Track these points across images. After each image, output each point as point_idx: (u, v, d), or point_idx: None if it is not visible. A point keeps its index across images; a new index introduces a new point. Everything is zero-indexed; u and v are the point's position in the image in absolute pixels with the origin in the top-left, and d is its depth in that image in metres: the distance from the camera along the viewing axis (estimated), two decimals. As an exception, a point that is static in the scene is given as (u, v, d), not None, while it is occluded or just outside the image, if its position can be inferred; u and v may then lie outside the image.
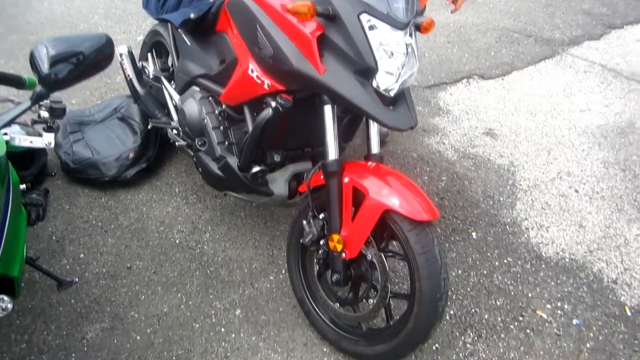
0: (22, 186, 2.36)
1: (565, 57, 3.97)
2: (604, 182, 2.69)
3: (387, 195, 1.55)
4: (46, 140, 1.62)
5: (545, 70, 3.78)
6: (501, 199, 2.56)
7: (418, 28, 1.61)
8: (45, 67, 1.15)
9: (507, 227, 2.40)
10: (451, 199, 2.55)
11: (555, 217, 2.47)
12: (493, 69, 3.74)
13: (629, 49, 4.11)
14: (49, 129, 1.65)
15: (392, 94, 1.55)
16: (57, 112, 1.60)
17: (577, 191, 2.63)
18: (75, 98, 3.20)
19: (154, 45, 2.70)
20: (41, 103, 1.62)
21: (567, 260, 2.25)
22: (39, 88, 1.18)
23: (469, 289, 2.10)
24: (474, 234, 2.36)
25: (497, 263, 2.22)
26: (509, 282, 2.13)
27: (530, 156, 2.87)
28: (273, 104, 1.69)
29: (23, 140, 1.62)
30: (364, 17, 1.48)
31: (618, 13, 4.74)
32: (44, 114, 1.63)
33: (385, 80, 1.52)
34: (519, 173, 2.74)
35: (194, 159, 2.10)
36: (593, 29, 4.43)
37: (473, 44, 4.08)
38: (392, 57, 1.51)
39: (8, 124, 1.17)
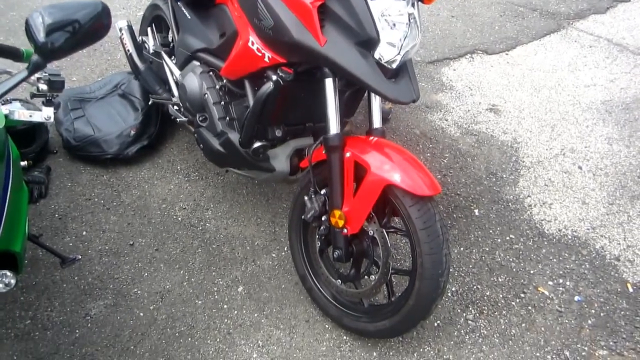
0: (24, 163, 2.35)
1: (571, 31, 3.91)
2: (607, 159, 2.67)
3: (388, 170, 1.54)
4: (45, 114, 1.61)
5: (550, 44, 3.73)
6: (504, 175, 2.55)
7: None
8: (41, 35, 1.13)
9: (510, 204, 2.39)
10: (454, 175, 2.53)
11: (558, 193, 2.46)
12: (497, 44, 3.69)
13: (635, 22, 4.05)
14: (47, 103, 1.64)
15: (394, 65, 1.53)
16: (56, 84, 1.58)
17: (580, 168, 2.61)
18: (76, 75, 3.17)
19: (153, 19, 2.67)
20: (39, 76, 1.61)
21: (570, 237, 2.24)
22: (35, 57, 1.16)
23: (470, 266, 2.10)
24: (476, 211, 2.35)
25: (499, 240, 2.22)
26: (511, 259, 2.13)
27: (533, 132, 2.85)
28: (274, 77, 1.67)
29: (22, 114, 1.60)
30: None
31: (625, -14, 4.66)
32: (43, 87, 1.62)
33: (387, 52, 1.50)
34: (522, 150, 2.72)
35: (195, 135, 2.08)
36: (599, 2, 4.36)
37: (477, 18, 4.02)
38: (394, 27, 1.49)
39: (5, 93, 1.15)
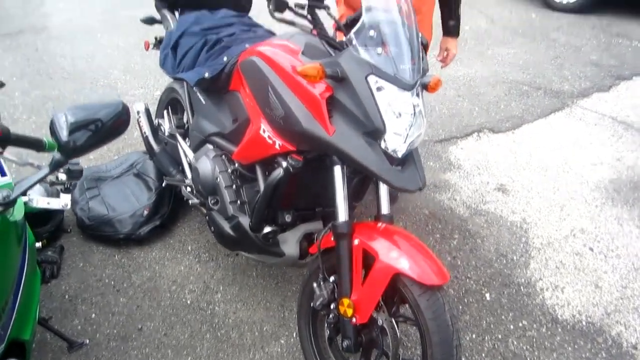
0: (38, 244, 2.40)
1: (575, 109, 3.99)
2: (618, 240, 2.66)
3: (397, 258, 1.54)
4: (63, 201, 1.66)
5: (555, 123, 3.80)
6: (514, 257, 2.54)
7: (425, 87, 1.64)
8: (64, 134, 1.19)
9: (522, 287, 2.36)
10: (464, 258, 2.53)
11: (570, 276, 2.43)
12: (503, 123, 3.77)
13: (638, 101, 4.13)
14: (66, 190, 1.69)
15: (400, 154, 1.57)
16: (75, 174, 1.64)
17: (591, 249, 2.60)
18: (93, 153, 3.27)
19: (170, 102, 2.78)
20: (59, 167, 1.68)
21: (584, 323, 2.20)
22: (57, 155, 1.22)
23: (483, 355, 2.05)
24: (487, 295, 2.32)
25: (512, 326, 2.18)
26: (524, 347, 2.08)
27: (543, 212, 2.86)
28: (284, 164, 1.72)
29: (41, 201, 1.65)
30: (372, 79, 1.51)
31: (626, 64, 4.79)
32: (62, 176, 1.68)
33: (394, 141, 1.54)
34: (532, 230, 2.72)
35: (207, 217, 2.12)
36: (602, 80, 4.48)
37: (483, 97, 4.13)
38: (400, 117, 1.53)
39: (26, 190, 1.20)
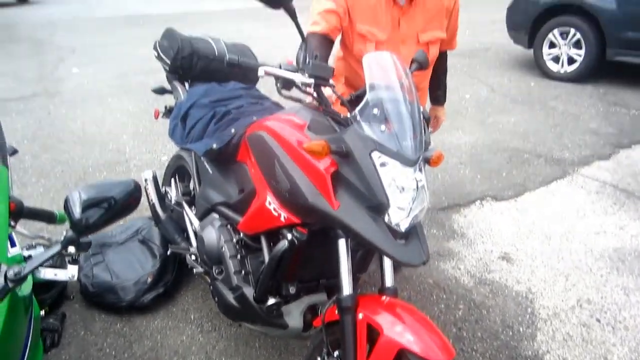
0: (42, 313, 2.38)
1: (577, 177, 4.04)
2: (625, 311, 2.63)
3: (401, 332, 1.54)
4: (70, 273, 1.66)
5: (557, 191, 3.84)
6: (521, 329, 2.50)
7: (427, 161, 1.68)
8: (77, 211, 1.23)
9: (529, 360, 2.33)
10: (469, 329, 2.49)
11: (578, 349, 2.39)
12: (505, 190, 3.81)
13: (638, 168, 4.18)
14: (73, 261, 1.70)
15: (403, 228, 1.59)
16: (83, 246, 1.66)
17: (598, 320, 2.57)
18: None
19: (177, 169, 2.83)
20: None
21: (594, 399, 2.15)
22: (69, 233, 1.25)
23: None
24: (494, 368, 2.28)
25: (519, 402, 2.13)
26: None
27: (548, 282, 2.84)
28: (289, 236, 1.74)
29: (48, 273, 1.66)
30: (375, 155, 1.55)
31: (625, 132, 4.89)
32: (71, 249, 1.70)
33: (397, 215, 1.57)
34: (538, 301, 2.70)
35: (211, 287, 2.12)
36: (602, 148, 4.55)
37: (485, 165, 4.20)
38: (403, 192, 1.56)
39: (36, 267, 1.22)
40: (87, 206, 1.22)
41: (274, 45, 7.69)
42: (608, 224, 3.41)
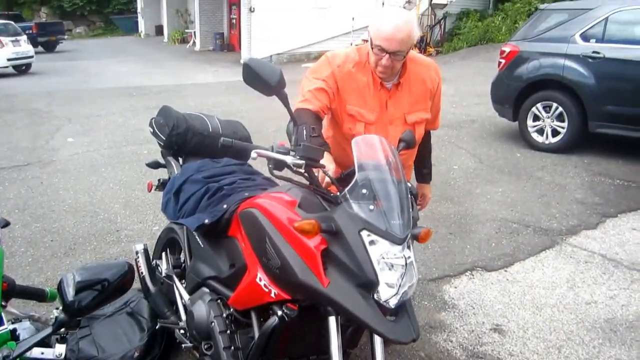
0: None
1: (565, 247, 4.08)
2: (619, 385, 2.60)
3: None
4: (57, 351, 1.65)
5: (546, 261, 3.87)
6: (514, 405, 2.47)
7: (416, 238, 1.72)
8: (70, 294, 1.24)
9: None
10: (462, 405, 2.45)
11: None
12: (495, 261, 3.83)
13: (626, 237, 4.24)
14: (61, 340, 1.69)
15: (392, 305, 1.60)
16: (73, 325, 1.66)
17: (593, 396, 2.53)
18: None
19: (168, 241, 2.85)
20: (57, 315, 1.69)
21: None
22: (61, 315, 1.26)
23: None
24: None
25: None
26: None
27: (540, 354, 2.82)
28: (279, 312, 1.75)
29: (35, 352, 1.65)
30: (365, 234, 1.59)
31: (610, 202, 4.98)
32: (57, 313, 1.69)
33: (386, 292, 1.59)
34: (531, 374, 2.67)
35: (200, 363, 2.09)
36: (588, 218, 4.62)
37: (474, 235, 4.24)
38: (392, 269, 1.59)
39: (27, 350, 1.22)
40: (80, 288, 1.24)
41: (266, 117, 7.90)
42: (598, 293, 3.42)
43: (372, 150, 1.74)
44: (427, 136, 2.55)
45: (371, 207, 1.62)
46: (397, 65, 2.14)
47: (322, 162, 1.79)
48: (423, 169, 2.68)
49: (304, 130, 1.79)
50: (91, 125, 8.19)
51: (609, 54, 5.94)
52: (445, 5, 17.67)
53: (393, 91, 2.24)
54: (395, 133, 2.18)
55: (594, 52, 6.03)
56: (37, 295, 1.60)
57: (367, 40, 2.19)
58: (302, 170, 1.74)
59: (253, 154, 1.72)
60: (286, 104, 1.74)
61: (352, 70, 2.21)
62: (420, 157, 2.59)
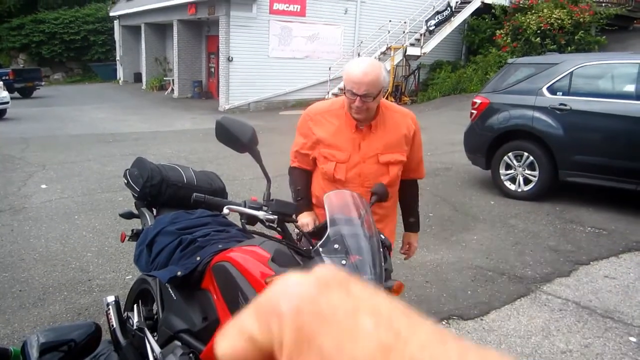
0: None
1: (539, 295, 4.11)
2: None
3: None
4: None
5: (521, 309, 3.88)
6: None
7: (389, 291, 1.73)
8: (34, 356, 1.21)
9: None
10: None
11: None
12: (471, 309, 3.84)
13: (598, 285, 4.29)
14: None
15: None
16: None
17: None
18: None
19: (140, 292, 2.79)
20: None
21: None
22: None
23: None
24: None
25: None
26: None
27: (517, 407, 2.80)
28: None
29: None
30: None
31: (582, 249, 5.06)
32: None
33: None
34: None
35: (170, 421, 2.03)
36: (562, 265, 4.68)
37: (450, 283, 4.25)
38: None
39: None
40: (44, 350, 1.21)
41: (243, 164, 7.93)
42: (573, 342, 3.44)
43: (344, 205, 1.77)
44: (413, 184, 2.62)
45: (343, 261, 1.63)
46: (370, 107, 2.26)
47: (301, 217, 1.82)
48: (410, 217, 2.70)
49: (291, 192, 1.88)
50: (65, 171, 8.10)
51: (575, 106, 6.17)
52: (419, 56, 18.27)
53: (366, 132, 2.36)
54: (367, 171, 2.33)
55: (560, 104, 6.26)
56: (0, 355, 1.55)
57: (342, 89, 2.34)
58: (275, 225, 1.76)
59: (225, 210, 1.73)
60: (258, 160, 1.78)
61: (325, 116, 2.41)
62: (406, 206, 2.64)
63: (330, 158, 2.37)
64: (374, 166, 2.36)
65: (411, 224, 2.71)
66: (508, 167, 6.81)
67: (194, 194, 1.86)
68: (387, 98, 17.33)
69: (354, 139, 2.36)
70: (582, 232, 5.55)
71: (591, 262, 4.78)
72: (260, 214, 1.72)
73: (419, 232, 2.74)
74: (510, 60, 7.83)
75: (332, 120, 2.39)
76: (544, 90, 6.46)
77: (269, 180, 1.83)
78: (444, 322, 3.64)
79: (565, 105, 6.23)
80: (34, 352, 1.19)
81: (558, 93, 6.37)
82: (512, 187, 6.78)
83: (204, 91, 21.48)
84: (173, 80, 22.10)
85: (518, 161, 6.69)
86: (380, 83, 2.22)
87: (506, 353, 3.25)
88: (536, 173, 6.53)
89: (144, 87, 24.99)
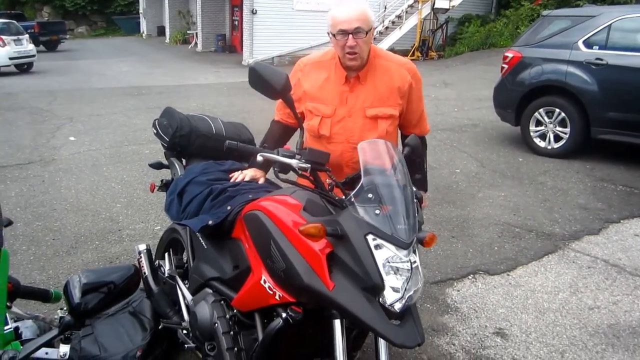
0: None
1: (568, 252, 4.07)
2: (623, 392, 2.59)
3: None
4: (61, 351, 1.65)
5: (549, 265, 3.86)
6: (517, 410, 2.46)
7: (421, 242, 1.71)
8: (77, 296, 1.24)
9: None
10: (465, 410, 2.45)
11: None
12: (498, 265, 3.82)
13: (628, 243, 4.23)
14: (65, 340, 1.69)
15: (398, 309, 1.60)
16: (78, 326, 1.66)
17: (595, 402, 2.52)
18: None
19: (171, 242, 2.84)
20: (62, 315, 1.69)
21: None
22: (67, 317, 1.26)
23: None
24: None
25: None
26: None
27: (543, 359, 2.81)
28: (283, 314, 1.74)
29: (40, 352, 1.65)
30: (370, 238, 1.59)
31: (614, 207, 4.97)
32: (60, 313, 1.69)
33: (391, 296, 1.58)
34: (534, 380, 2.66)
35: (202, 364, 2.08)
36: (591, 223, 4.61)
37: (476, 239, 4.23)
38: (398, 273, 1.59)
39: (34, 351, 1.22)
40: (86, 290, 1.24)
41: (268, 118, 7.87)
42: (601, 299, 3.41)
43: (377, 155, 1.74)
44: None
45: (377, 211, 1.61)
46: (363, 47, 2.16)
47: (249, 171, 1.80)
48: (415, 174, 2.60)
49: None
50: (92, 124, 8.19)
51: (612, 61, 5.94)
52: (447, 10, 17.70)
53: (354, 84, 2.26)
54: (353, 126, 2.25)
55: (597, 58, 6.03)
56: (41, 296, 1.60)
57: (331, 36, 2.20)
58: (308, 174, 1.74)
59: (259, 157, 1.72)
60: (292, 107, 1.75)
61: (315, 67, 2.34)
62: (410, 162, 2.55)
63: (315, 112, 2.30)
64: (361, 120, 2.25)
65: (417, 181, 2.62)
66: (538, 123, 6.64)
67: (227, 141, 1.85)
68: (413, 53, 16.97)
69: (342, 92, 2.26)
70: (613, 191, 5.44)
71: (621, 221, 4.70)
72: (293, 162, 1.71)
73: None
74: (545, 13, 7.52)
75: (321, 71, 2.30)
76: (580, 44, 6.22)
77: (301, 129, 1.80)
78: (470, 277, 3.64)
79: (601, 60, 5.99)
80: (76, 293, 1.22)
81: (594, 47, 6.12)
82: (542, 144, 6.63)
83: (228, 45, 21.28)
84: (196, 33, 21.91)
85: (549, 118, 6.52)
86: (369, 18, 2.13)
87: (533, 308, 3.25)
88: (567, 130, 6.36)
89: (167, 40, 24.85)
